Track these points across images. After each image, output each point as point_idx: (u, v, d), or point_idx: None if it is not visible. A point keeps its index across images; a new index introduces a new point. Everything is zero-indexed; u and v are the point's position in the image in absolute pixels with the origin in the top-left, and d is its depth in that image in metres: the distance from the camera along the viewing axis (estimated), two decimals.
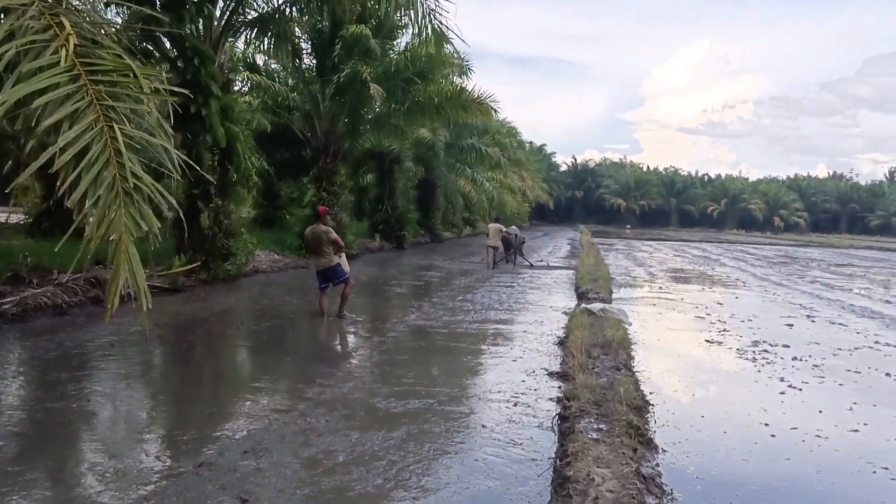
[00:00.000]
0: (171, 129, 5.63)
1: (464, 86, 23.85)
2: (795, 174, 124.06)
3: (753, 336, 11.16)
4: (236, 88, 23.12)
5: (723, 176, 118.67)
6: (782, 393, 7.66)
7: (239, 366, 8.70)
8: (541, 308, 13.82)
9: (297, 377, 7.70)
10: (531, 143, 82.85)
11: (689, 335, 11.24)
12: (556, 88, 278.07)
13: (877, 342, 11.05)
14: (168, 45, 9.73)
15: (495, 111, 26.56)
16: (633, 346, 9.41)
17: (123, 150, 4.76)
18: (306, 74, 23.16)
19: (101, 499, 4.34)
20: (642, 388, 7.27)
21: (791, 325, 12.50)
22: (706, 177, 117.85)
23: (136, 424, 6.05)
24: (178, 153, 5.43)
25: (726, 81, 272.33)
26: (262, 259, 19.30)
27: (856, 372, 8.84)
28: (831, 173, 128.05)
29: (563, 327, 11.15)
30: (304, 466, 4.96)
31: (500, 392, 7.13)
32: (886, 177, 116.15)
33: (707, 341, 10.60)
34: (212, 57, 8.99)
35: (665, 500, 4.52)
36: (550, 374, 7.95)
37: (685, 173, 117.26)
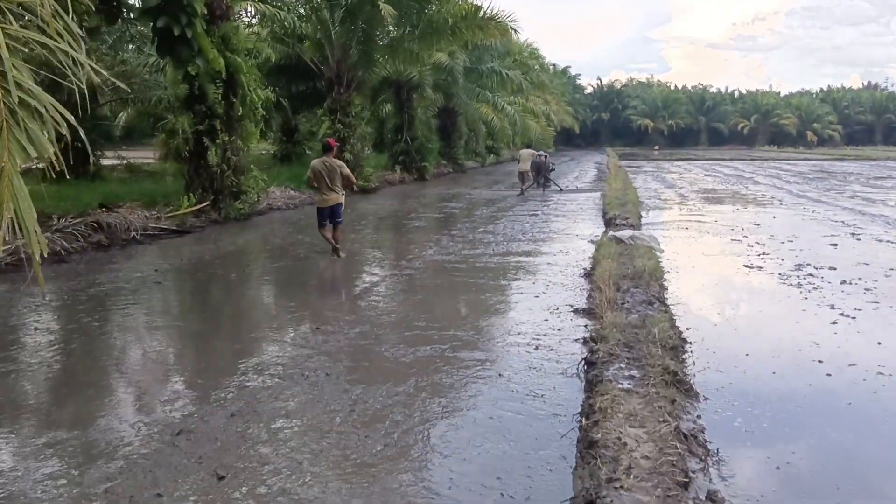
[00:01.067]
0: (81, 32, 4.63)
1: (479, 4, 22.54)
2: (829, 86, 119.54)
3: (796, 259, 10.36)
4: (244, 19, 22.17)
5: (754, 91, 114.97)
6: (834, 323, 6.92)
7: (240, 313, 8.09)
8: (566, 237, 13.08)
9: (302, 324, 7.10)
10: (554, 65, 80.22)
11: (727, 261, 10.46)
12: (580, 7, 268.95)
13: None
14: None
15: (515, 31, 25.26)
16: (666, 276, 8.67)
17: (6, 54, 3.88)
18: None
19: (59, 479, 3.79)
20: (678, 324, 6.57)
21: (835, 245, 11.65)
22: (736, 93, 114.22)
23: (115, 385, 5.49)
24: (92, 63, 4.49)
25: None
26: (277, 196, 18.71)
27: None
28: (866, 83, 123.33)
29: (589, 257, 10.44)
30: (295, 432, 4.38)
31: (519, 334, 6.48)
32: None
33: (746, 266, 9.82)
34: None
35: (710, 463, 3.87)
36: (576, 311, 7.27)
37: (714, 90, 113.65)
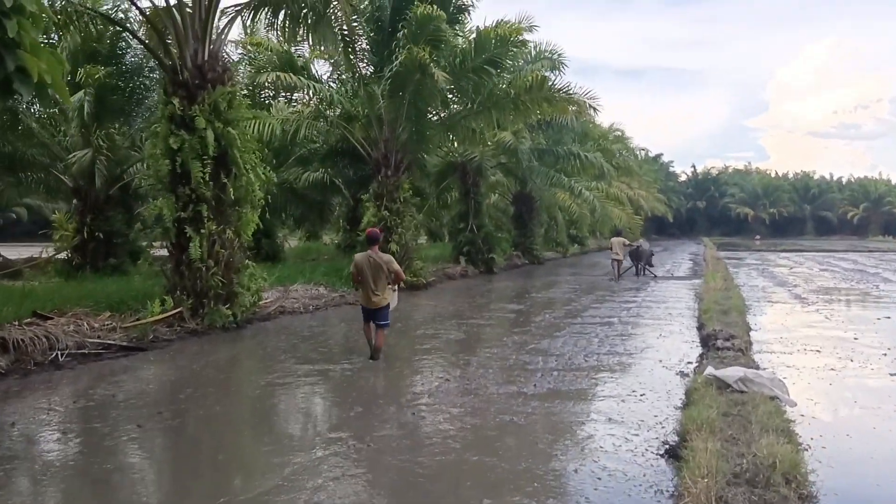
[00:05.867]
0: None
1: (546, 75, 19.53)
2: None
3: None
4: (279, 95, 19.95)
5: (862, 178, 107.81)
6: None
7: None
8: (645, 361, 9.41)
9: None
10: (646, 150, 76.86)
11: None
12: (673, 98, 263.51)
13: None
14: None
15: (594, 109, 22.26)
16: (813, 478, 4.87)
17: None
18: (360, 69, 19.56)
19: None
20: None
21: None
22: (843, 180, 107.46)
23: None
24: None
25: (857, 80, 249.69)
26: (298, 295, 15.73)
27: None
28: None
29: (676, 407, 6.76)
30: None
31: None
32: None
33: None
34: None
35: None
36: None
37: (818, 177, 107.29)
